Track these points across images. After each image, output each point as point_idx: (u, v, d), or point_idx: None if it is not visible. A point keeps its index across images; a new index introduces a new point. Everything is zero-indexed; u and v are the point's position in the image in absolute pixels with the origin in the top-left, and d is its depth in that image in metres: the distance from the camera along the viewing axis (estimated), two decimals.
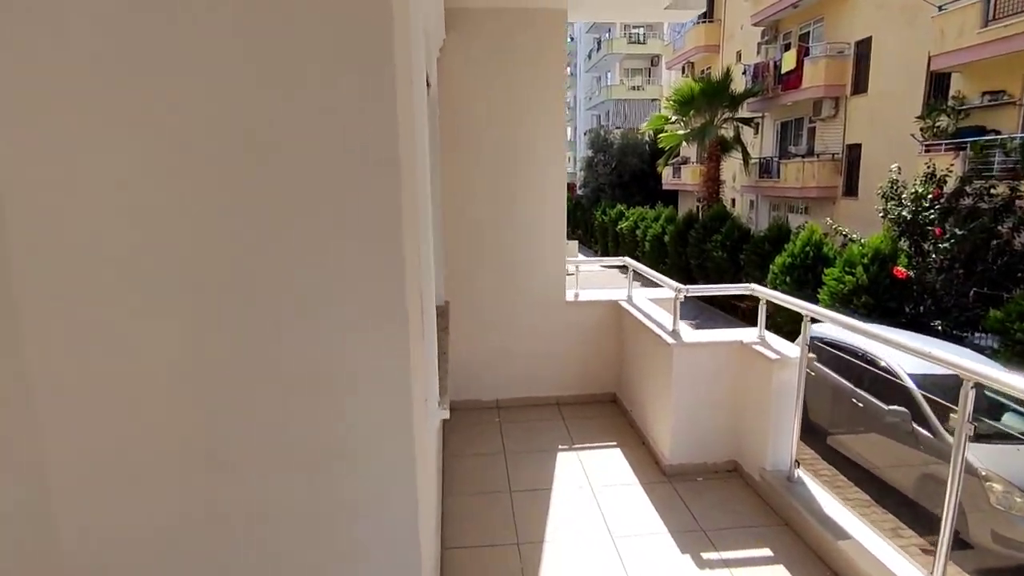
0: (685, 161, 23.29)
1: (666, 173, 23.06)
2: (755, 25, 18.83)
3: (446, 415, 2.09)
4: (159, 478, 1.50)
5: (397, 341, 1.55)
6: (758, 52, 19.08)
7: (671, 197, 24.11)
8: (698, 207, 19.15)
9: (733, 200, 20.54)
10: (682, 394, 3.14)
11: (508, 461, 3.41)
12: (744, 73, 18.47)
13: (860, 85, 14.88)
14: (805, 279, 10.11)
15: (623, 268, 4.33)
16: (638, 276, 4.25)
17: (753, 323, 3.11)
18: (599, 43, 35.52)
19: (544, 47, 3.76)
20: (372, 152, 1.42)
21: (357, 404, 1.56)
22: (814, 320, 2.66)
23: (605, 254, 22.28)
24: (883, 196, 9.81)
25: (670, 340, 3.14)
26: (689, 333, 3.24)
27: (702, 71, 22.81)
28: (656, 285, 3.97)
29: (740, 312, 13.14)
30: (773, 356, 2.81)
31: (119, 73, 1.29)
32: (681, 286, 3.24)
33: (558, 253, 4.06)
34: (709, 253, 14.24)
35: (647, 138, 25.35)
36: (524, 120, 3.78)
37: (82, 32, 1.27)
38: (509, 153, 3.81)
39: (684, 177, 23.16)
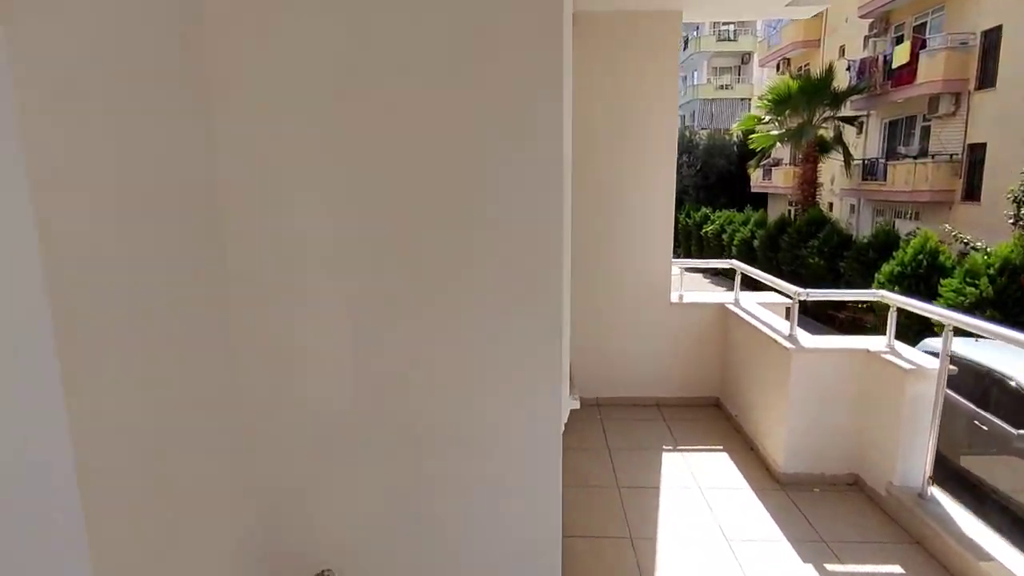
0: (777, 163, 22.16)
1: (755, 175, 22.06)
2: (862, 17, 17.64)
3: (576, 405, 2.18)
4: (339, 443, 1.69)
5: (552, 332, 1.66)
6: (864, 46, 17.85)
7: (759, 200, 23.03)
8: (791, 211, 18.19)
9: (831, 204, 19.33)
10: (799, 401, 3.05)
11: (612, 457, 3.46)
12: (848, 69, 17.35)
13: (986, 79, 13.57)
14: (916, 290, 9.36)
15: (719, 273, 4.26)
16: (718, 280, 4.15)
17: (852, 334, 2.97)
18: (686, 41, 34.46)
19: (658, 49, 3.78)
20: (541, 163, 1.54)
21: (512, 389, 1.68)
22: (957, 332, 2.51)
23: (688, 258, 21.65)
24: (1014, 200, 8.93)
25: (788, 345, 3.06)
26: (808, 338, 3.14)
27: (799, 68, 21.64)
28: (764, 288, 3.88)
29: (837, 322, 12.36)
30: (907, 367, 2.68)
31: (335, 91, 1.48)
32: (799, 290, 3.15)
33: (664, 255, 4.05)
34: (804, 259, 13.51)
35: (735, 139, 24.38)
36: (637, 121, 3.81)
37: (303, 55, 1.46)
38: (621, 154, 3.86)
39: (776, 179, 22.06)
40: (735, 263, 4.17)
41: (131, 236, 1.17)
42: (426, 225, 1.55)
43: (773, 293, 4.40)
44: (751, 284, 4.13)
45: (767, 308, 3.92)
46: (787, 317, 3.78)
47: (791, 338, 3.14)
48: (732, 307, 3.97)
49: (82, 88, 1.03)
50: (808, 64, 20.79)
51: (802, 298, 3.12)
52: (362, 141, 1.51)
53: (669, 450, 3.54)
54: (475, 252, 1.58)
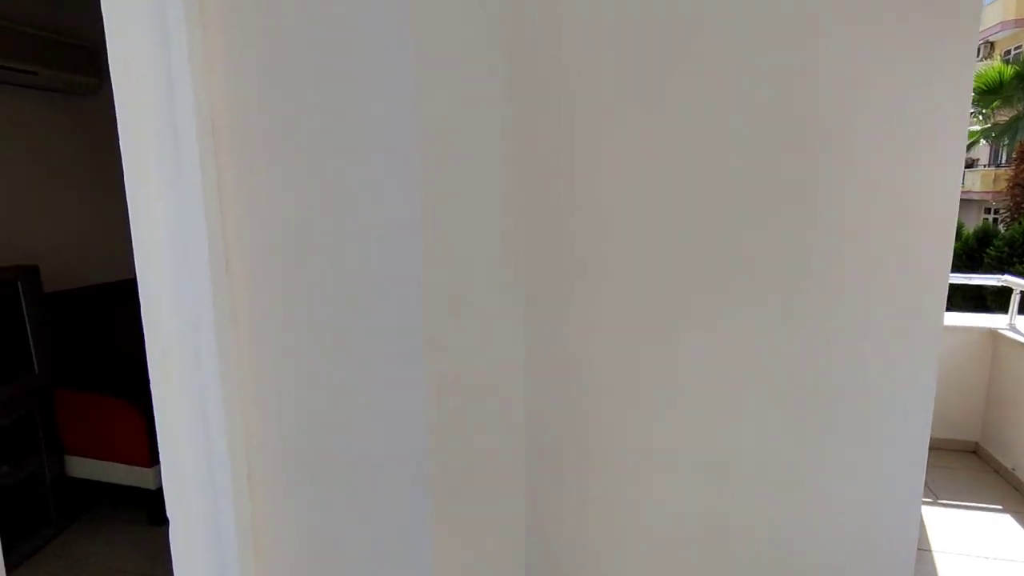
0: (971, 164, 19.05)
1: None
2: None
3: None
4: (624, 464, 1.47)
5: (930, 358, 1.32)
6: None
7: None
8: (991, 219, 15.47)
9: None
10: None
11: None
12: None
13: None
14: None
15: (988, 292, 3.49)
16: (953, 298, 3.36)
17: None
18: None
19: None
20: (939, 172, 1.24)
21: (888, 421, 1.39)
22: None
23: None
24: None
25: None
26: None
27: (1006, 52, 18.40)
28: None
29: None
30: None
31: (656, 100, 1.25)
32: None
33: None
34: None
35: None
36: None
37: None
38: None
39: (969, 183, 18.94)
40: (1009, 279, 3.39)
41: (471, 233, 1.03)
42: (809, 249, 1.30)
43: None
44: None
45: None
46: None
47: None
48: (1008, 333, 3.22)
49: (453, 76, 0.88)
50: (1020, 47, 17.58)
51: None
52: (690, 136, 1.27)
53: (928, 503, 2.92)
54: (862, 277, 1.31)
